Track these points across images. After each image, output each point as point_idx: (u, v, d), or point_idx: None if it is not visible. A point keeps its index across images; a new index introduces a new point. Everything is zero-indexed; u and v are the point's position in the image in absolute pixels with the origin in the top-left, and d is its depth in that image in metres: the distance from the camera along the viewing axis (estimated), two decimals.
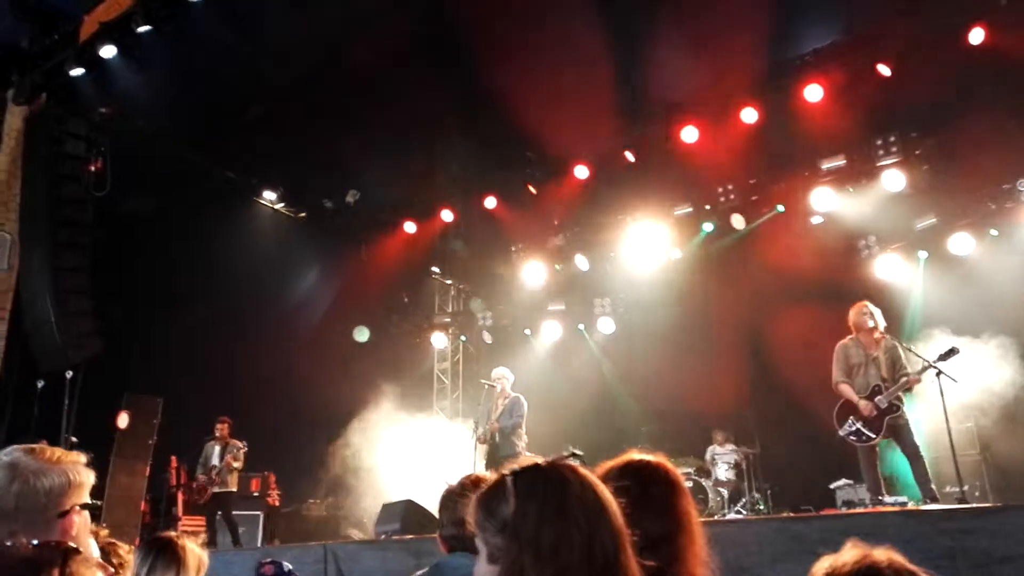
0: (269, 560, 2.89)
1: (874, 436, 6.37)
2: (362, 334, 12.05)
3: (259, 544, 10.01)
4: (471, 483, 2.67)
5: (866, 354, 6.67)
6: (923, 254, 9.48)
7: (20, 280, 8.98)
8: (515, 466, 1.51)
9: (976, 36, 8.59)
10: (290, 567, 3.04)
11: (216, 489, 9.43)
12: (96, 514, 1.94)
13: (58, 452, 1.92)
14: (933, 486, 6.04)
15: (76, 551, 1.43)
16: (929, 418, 6.50)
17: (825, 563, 1.44)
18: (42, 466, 1.83)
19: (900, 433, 6.34)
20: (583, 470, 1.48)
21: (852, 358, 6.71)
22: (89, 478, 1.93)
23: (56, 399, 8.47)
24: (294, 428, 10.56)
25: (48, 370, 8.64)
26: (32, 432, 8.04)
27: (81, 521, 1.87)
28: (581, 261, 11.74)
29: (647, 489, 1.82)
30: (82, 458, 1.96)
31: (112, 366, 9.24)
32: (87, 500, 1.92)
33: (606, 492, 1.45)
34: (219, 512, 9.47)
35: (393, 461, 10.52)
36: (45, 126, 9.35)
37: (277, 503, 10.82)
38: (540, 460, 1.53)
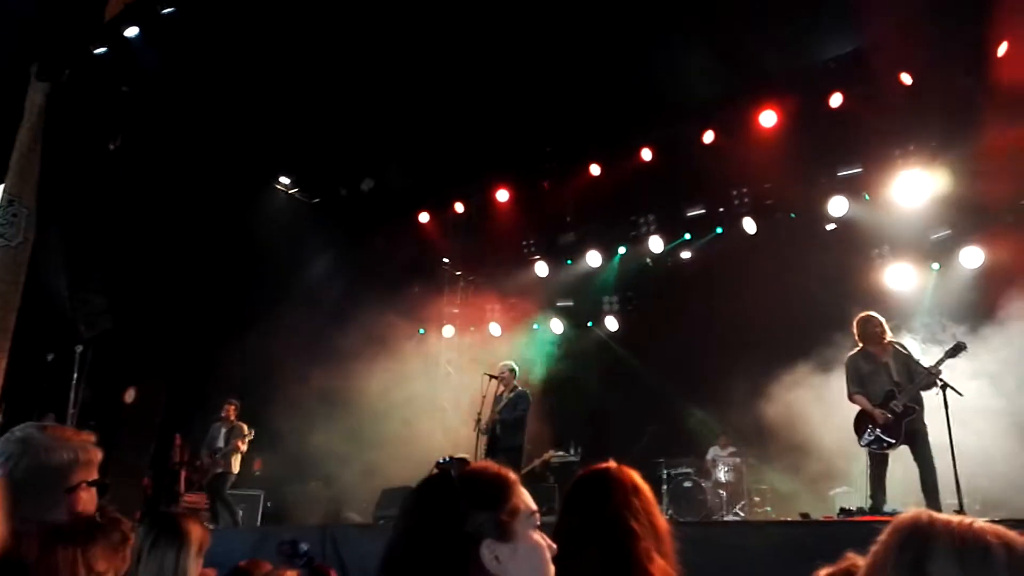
0: (288, 540, 2.93)
1: (893, 441, 6.37)
2: None
3: (258, 523, 10.10)
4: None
5: (876, 362, 6.67)
6: (936, 265, 9.44)
7: (35, 254, 9.07)
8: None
9: (999, 49, 8.53)
10: (306, 548, 3.07)
11: (219, 470, 9.53)
12: (103, 491, 1.99)
13: (69, 430, 1.98)
14: (938, 499, 6.04)
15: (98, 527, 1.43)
16: (931, 430, 6.47)
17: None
18: (53, 443, 1.89)
19: (916, 439, 6.33)
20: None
21: (863, 368, 6.71)
22: (97, 456, 1.98)
23: (65, 373, 8.58)
24: (298, 410, 10.63)
25: (58, 344, 8.75)
26: (40, 405, 8.14)
27: (88, 497, 1.92)
28: (591, 258, 11.74)
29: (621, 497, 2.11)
30: (92, 436, 2.01)
31: (121, 342, 9.34)
32: (95, 477, 1.97)
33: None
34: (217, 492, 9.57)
35: (397, 448, 10.58)
36: (67, 103, 9.44)
37: None
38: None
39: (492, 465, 1.55)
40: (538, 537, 1.47)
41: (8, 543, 1.37)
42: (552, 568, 1.46)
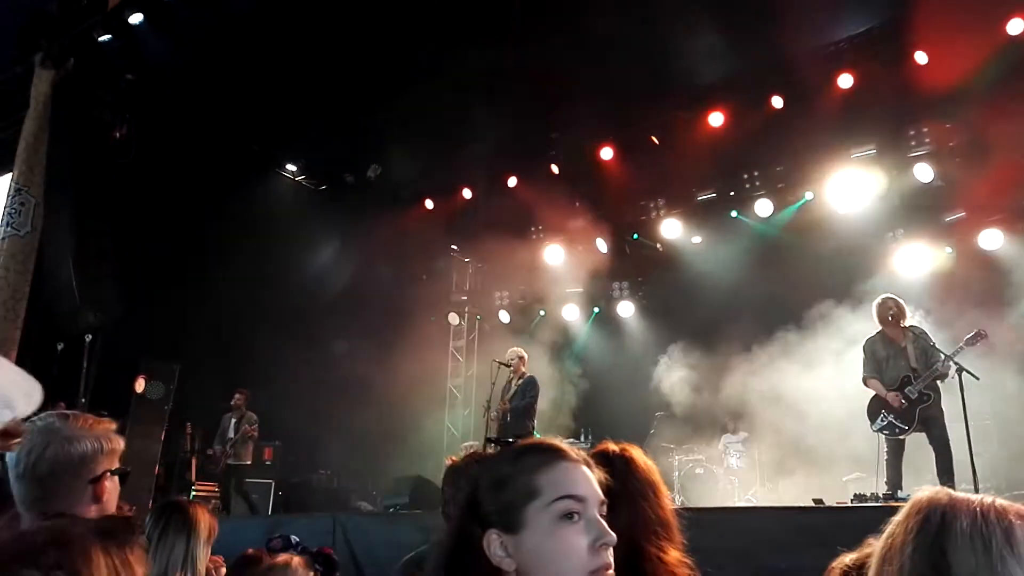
0: (278, 535, 2.93)
1: (906, 428, 6.32)
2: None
3: (269, 512, 10.13)
4: (474, 459, 2.65)
5: (893, 346, 6.61)
6: (949, 248, 9.32)
7: (43, 243, 9.07)
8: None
9: (1015, 27, 8.38)
10: (297, 539, 3.06)
11: (231, 461, 9.55)
12: (124, 479, 1.98)
13: (91, 418, 1.96)
14: (953, 482, 5.98)
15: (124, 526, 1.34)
16: (947, 414, 6.40)
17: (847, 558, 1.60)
18: (76, 432, 1.88)
19: (930, 424, 6.28)
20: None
21: (879, 352, 6.66)
22: (120, 444, 1.97)
23: (75, 362, 8.58)
24: (308, 398, 10.63)
25: (68, 333, 8.75)
26: (50, 394, 8.12)
27: (112, 486, 1.91)
28: (601, 244, 11.65)
29: (622, 480, 2.00)
30: (113, 425, 2.00)
31: (131, 331, 9.33)
32: (118, 466, 1.95)
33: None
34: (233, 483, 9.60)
35: (406, 436, 10.58)
36: (72, 91, 9.41)
37: None
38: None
39: (527, 441, 1.40)
40: (562, 527, 1.25)
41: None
42: (582, 565, 1.23)
